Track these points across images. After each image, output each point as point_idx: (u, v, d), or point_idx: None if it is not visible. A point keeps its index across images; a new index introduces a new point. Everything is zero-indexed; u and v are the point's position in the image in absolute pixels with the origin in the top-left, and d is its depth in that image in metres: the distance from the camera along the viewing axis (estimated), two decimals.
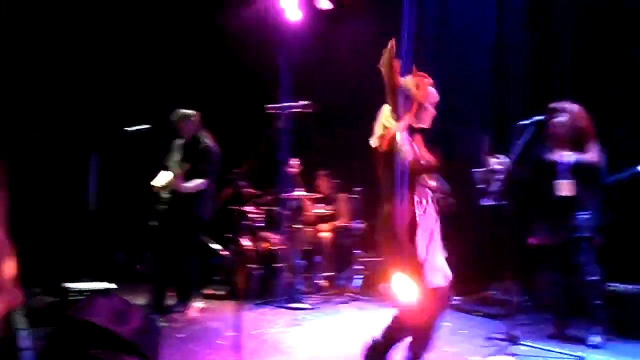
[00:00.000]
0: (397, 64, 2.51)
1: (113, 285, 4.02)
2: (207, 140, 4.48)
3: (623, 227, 4.13)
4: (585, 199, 3.57)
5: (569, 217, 3.60)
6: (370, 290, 5.47)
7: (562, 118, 3.65)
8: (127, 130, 4.37)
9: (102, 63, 6.05)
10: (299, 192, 5.30)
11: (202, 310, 4.48)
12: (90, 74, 5.93)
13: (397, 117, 2.48)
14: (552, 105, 3.70)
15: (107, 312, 2.66)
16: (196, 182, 4.31)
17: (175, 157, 4.47)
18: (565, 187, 3.63)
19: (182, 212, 4.31)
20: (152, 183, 4.45)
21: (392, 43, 2.51)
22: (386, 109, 2.59)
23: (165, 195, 4.39)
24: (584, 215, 3.55)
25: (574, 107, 3.66)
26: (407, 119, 2.53)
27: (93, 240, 5.33)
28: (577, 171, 3.62)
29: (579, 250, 3.56)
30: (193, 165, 4.27)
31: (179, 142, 4.53)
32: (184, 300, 4.43)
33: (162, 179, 4.43)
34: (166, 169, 4.50)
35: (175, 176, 4.27)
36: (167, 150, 4.59)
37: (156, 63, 6.37)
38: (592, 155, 3.56)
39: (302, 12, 6.09)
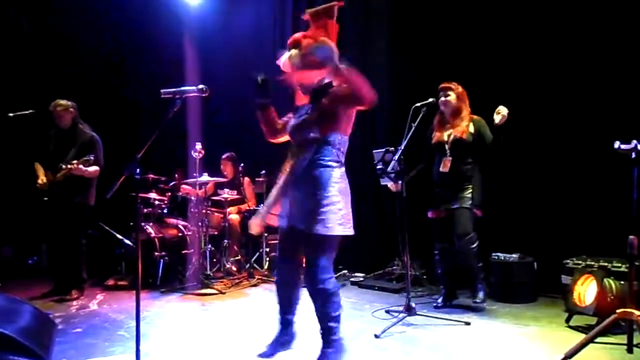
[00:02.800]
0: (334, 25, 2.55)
1: None
2: (89, 130, 4.53)
3: (506, 201, 4.51)
4: (466, 174, 3.86)
5: (451, 191, 3.89)
6: None
7: (449, 97, 3.91)
8: (9, 116, 4.10)
9: None
10: (204, 177, 5.21)
11: (102, 302, 4.33)
12: None
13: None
14: (443, 85, 3.95)
15: None
16: (94, 169, 4.37)
17: (52, 146, 4.47)
18: (444, 164, 3.93)
19: (67, 199, 4.34)
20: (38, 182, 4.39)
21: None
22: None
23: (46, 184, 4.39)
24: (465, 189, 3.84)
25: (459, 87, 3.93)
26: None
27: None
28: (454, 149, 3.89)
29: (460, 221, 3.85)
30: (77, 155, 4.29)
31: (53, 131, 4.52)
32: (75, 287, 4.44)
33: (41, 173, 4.42)
34: (43, 160, 4.46)
35: (67, 167, 4.24)
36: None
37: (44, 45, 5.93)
38: (464, 132, 3.83)
39: None
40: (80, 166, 4.19)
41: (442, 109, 3.97)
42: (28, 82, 5.68)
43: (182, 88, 2.57)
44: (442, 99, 3.92)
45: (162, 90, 2.55)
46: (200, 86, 2.58)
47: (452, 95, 3.90)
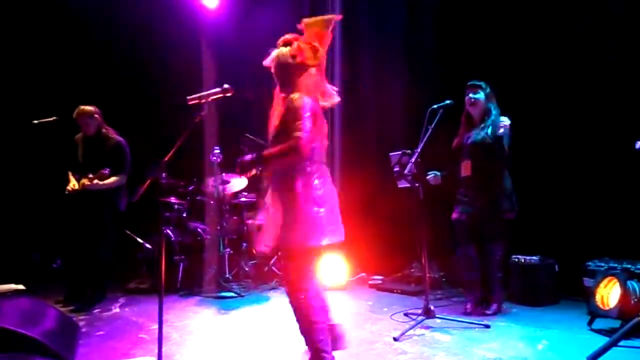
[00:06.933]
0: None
1: (21, 287, 3.83)
2: (115, 135, 4.51)
3: (527, 203, 4.44)
4: (489, 177, 3.76)
5: (474, 195, 3.81)
6: None
7: (478, 95, 3.83)
8: (33, 123, 4.18)
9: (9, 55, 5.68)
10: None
11: (124, 305, 4.40)
12: None
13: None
14: (471, 83, 3.87)
15: (16, 314, 2.56)
16: (112, 180, 4.32)
17: (79, 152, 4.49)
18: (465, 167, 3.87)
19: (96, 203, 4.31)
20: (67, 188, 4.39)
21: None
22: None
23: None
24: (490, 193, 3.76)
25: (487, 87, 3.84)
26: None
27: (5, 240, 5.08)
28: (473, 151, 3.81)
29: (485, 226, 3.79)
30: (104, 162, 4.25)
31: (80, 136, 4.53)
32: (99, 291, 4.47)
33: (73, 181, 4.41)
34: (72, 167, 4.47)
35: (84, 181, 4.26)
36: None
37: (66, 52, 6.04)
38: (484, 133, 3.75)
39: None
40: (96, 181, 4.19)
41: (469, 108, 3.88)
42: (51, 89, 5.79)
43: (208, 92, 2.56)
44: (471, 96, 3.83)
45: (188, 97, 2.54)
46: (225, 86, 2.56)
47: (481, 94, 3.81)
